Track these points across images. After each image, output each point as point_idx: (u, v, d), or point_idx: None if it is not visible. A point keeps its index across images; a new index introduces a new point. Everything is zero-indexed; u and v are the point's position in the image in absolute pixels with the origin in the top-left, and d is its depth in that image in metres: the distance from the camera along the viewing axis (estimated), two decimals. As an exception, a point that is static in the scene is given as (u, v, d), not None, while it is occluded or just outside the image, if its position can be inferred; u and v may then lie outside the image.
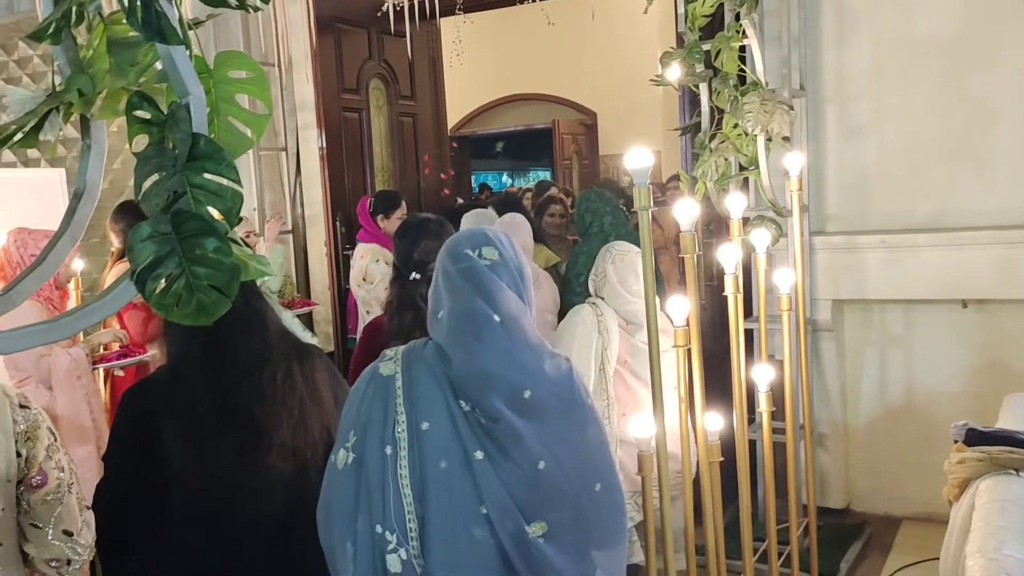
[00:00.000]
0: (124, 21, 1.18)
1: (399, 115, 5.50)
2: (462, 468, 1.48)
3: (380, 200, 4.54)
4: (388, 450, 1.50)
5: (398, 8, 4.33)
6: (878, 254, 3.60)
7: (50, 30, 1.19)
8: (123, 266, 3.66)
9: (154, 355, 3.38)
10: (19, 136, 1.21)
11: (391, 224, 4.25)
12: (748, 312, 3.48)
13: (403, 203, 4.53)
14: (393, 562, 1.48)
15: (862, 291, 3.67)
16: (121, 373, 3.62)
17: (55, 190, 3.96)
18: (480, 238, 1.59)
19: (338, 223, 4.94)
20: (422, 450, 1.49)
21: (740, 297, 2.41)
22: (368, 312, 4.13)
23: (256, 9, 1.17)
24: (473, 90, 11.13)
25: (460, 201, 6.76)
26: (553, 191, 5.58)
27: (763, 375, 2.50)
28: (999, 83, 3.47)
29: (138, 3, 1.11)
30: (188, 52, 1.18)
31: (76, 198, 1.26)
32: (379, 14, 4.55)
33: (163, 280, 1.13)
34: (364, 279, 4.21)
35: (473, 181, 13.64)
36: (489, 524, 1.47)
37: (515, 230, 3.37)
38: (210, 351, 1.83)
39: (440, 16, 5.09)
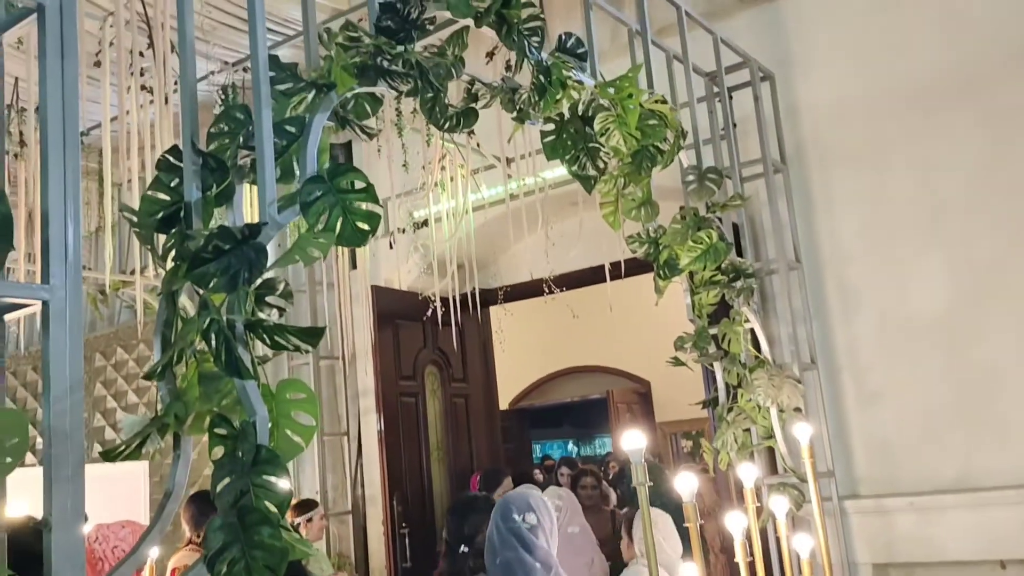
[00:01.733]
0: (210, 360, 1.58)
1: (452, 396, 5.94)
2: None
3: (487, 477, 4.94)
4: None
5: (442, 305, 4.88)
6: (908, 516, 3.70)
7: (159, 369, 1.59)
8: (184, 553, 3.94)
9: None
10: (127, 451, 1.57)
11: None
12: (784, 579, 3.55)
13: (506, 479, 4.90)
14: None
15: (898, 554, 3.72)
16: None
17: (138, 481, 4.38)
18: (524, 505, 2.24)
19: (395, 502, 5.20)
20: None
21: (756, 562, 2.56)
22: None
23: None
24: (532, 365, 11.67)
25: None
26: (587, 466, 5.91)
27: (788, 642, 2.58)
28: (997, 352, 3.73)
29: (223, 349, 1.50)
30: (257, 383, 1.56)
31: (166, 497, 1.60)
32: (424, 318, 5.10)
33: (227, 563, 1.43)
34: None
35: (537, 450, 13.86)
36: None
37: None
38: None
39: (483, 307, 5.66)
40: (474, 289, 4.83)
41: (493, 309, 6.40)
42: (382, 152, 4.41)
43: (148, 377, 1.57)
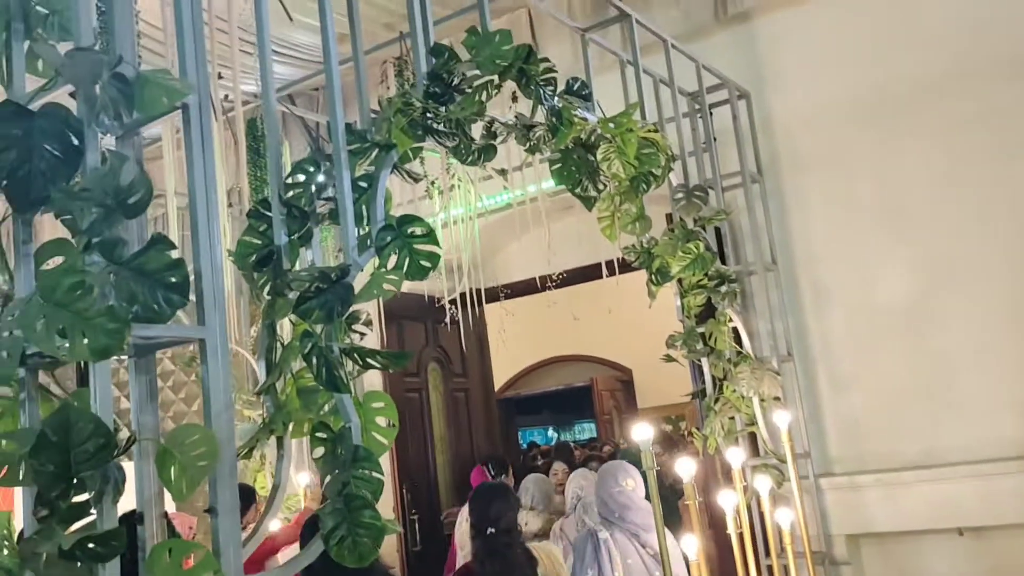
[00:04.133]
0: (307, 375, 1.95)
1: (452, 391, 6.31)
2: None
3: (497, 464, 5.35)
4: None
5: (450, 304, 5.23)
6: (877, 491, 4.13)
7: (267, 387, 1.95)
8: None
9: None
10: (242, 453, 1.93)
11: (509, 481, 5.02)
12: (767, 551, 3.97)
13: (509, 467, 5.35)
14: None
15: (869, 525, 4.15)
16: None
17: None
18: (623, 473, 3.13)
19: (405, 490, 5.58)
20: None
21: (744, 534, 2.97)
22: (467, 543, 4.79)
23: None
24: (517, 355, 12.03)
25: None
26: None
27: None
28: (954, 340, 4.16)
29: (323, 369, 1.87)
30: (351, 396, 1.93)
31: (274, 489, 1.97)
32: (437, 305, 5.46)
33: (337, 540, 1.80)
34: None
35: (521, 438, 14.30)
36: None
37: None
38: None
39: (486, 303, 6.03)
40: (476, 288, 5.20)
41: (490, 307, 6.77)
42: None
43: (259, 393, 1.93)
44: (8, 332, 1.44)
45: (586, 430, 14.89)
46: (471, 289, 5.20)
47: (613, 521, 3.22)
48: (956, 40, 4.26)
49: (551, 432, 16.15)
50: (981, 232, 4.14)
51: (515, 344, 11.13)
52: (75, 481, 1.37)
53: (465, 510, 5.18)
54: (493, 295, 6.40)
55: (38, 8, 1.63)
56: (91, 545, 1.32)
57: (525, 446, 13.57)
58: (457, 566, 4.86)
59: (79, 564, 1.37)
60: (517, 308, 6.73)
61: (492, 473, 5.27)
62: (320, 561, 1.75)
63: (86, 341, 1.39)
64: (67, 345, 1.39)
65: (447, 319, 5.00)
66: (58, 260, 1.51)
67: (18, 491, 1.59)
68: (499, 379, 12.35)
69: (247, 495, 4.97)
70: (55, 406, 1.56)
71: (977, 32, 4.21)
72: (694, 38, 4.74)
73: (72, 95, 1.57)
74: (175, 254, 1.50)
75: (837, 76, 4.54)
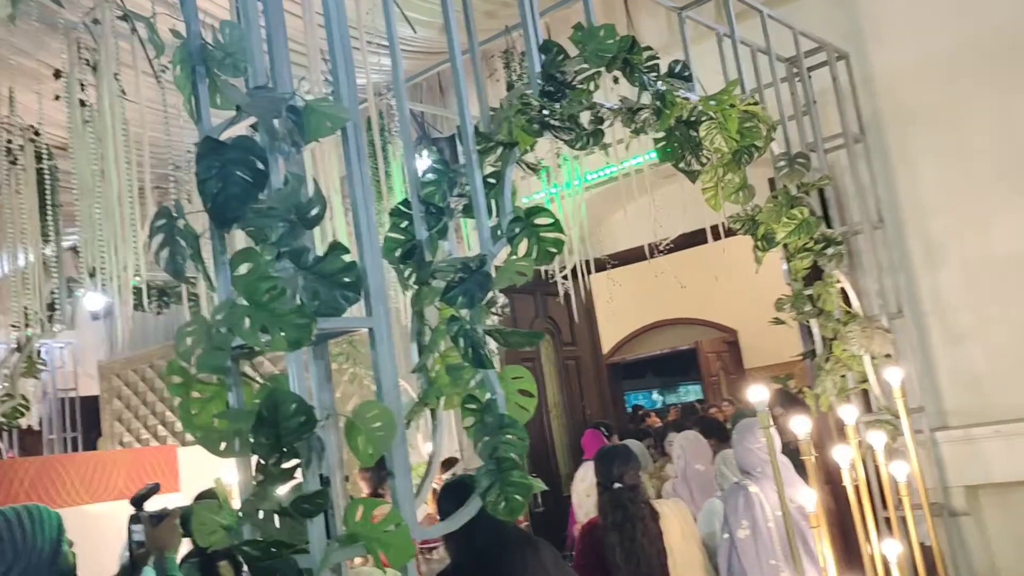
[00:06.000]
0: (453, 354, 2.20)
1: (564, 359, 6.55)
2: None
3: (607, 427, 5.61)
4: None
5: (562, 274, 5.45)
6: (995, 442, 4.15)
7: (420, 367, 2.20)
8: None
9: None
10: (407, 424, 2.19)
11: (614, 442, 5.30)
12: (884, 504, 4.06)
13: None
14: None
15: (988, 476, 4.18)
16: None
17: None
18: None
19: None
20: None
21: (860, 487, 3.10)
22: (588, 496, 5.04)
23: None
24: (623, 321, 12.18)
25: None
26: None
27: (891, 548, 3.12)
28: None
29: (469, 348, 2.11)
30: (494, 371, 2.17)
31: (433, 455, 2.23)
32: (545, 279, 5.69)
33: (493, 496, 2.05)
34: (582, 480, 5.24)
35: (627, 402, 14.51)
36: None
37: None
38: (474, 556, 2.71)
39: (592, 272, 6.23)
40: (584, 260, 5.40)
41: (595, 276, 6.96)
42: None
43: (414, 371, 2.20)
44: (219, 329, 1.74)
45: (691, 392, 14.98)
46: (580, 261, 5.41)
47: (756, 476, 3.36)
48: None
49: (655, 395, 16.29)
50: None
51: (621, 310, 11.31)
52: (284, 450, 1.65)
53: (580, 472, 5.45)
54: (600, 265, 6.58)
55: (215, 52, 1.91)
56: (305, 504, 1.60)
57: (630, 409, 13.77)
58: (578, 522, 5.15)
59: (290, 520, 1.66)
60: (622, 275, 6.90)
61: (606, 435, 5.50)
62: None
63: (282, 334, 1.67)
64: (268, 339, 1.67)
65: (559, 292, 5.20)
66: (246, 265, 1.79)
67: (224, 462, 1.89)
68: (605, 345, 12.55)
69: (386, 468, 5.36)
70: (254, 390, 1.86)
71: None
72: (789, 0, 4.76)
73: (252, 126, 1.85)
74: (348, 258, 1.76)
75: (940, 27, 4.49)
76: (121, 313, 4.16)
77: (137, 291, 3.58)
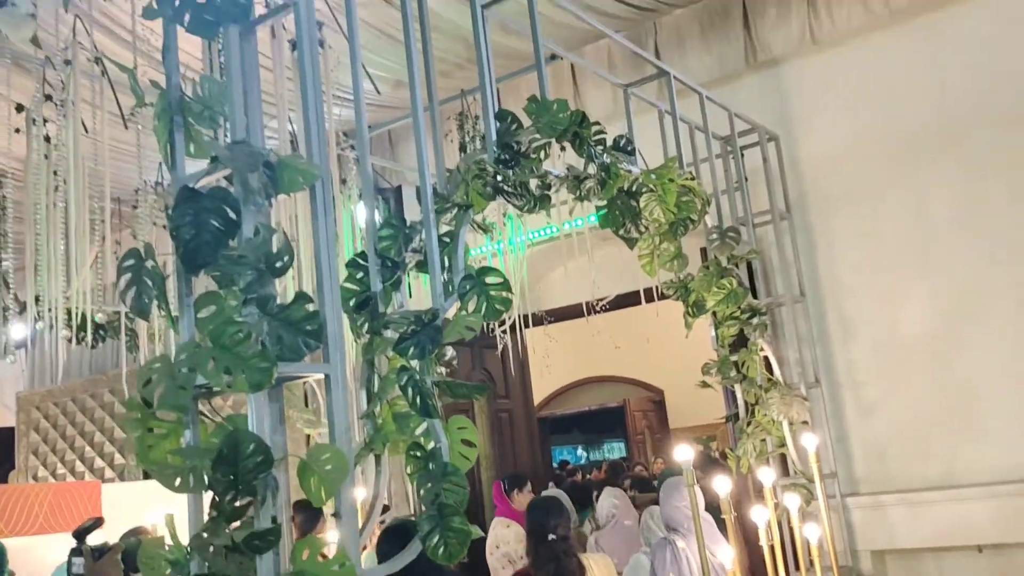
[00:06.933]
0: (400, 402, 2.30)
1: (497, 411, 6.66)
2: None
3: (513, 480, 5.59)
4: None
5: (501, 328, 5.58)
6: (900, 510, 4.40)
7: (367, 413, 2.30)
8: None
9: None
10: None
11: (524, 497, 5.21)
12: (797, 565, 4.25)
13: (527, 482, 5.58)
14: None
15: (893, 542, 4.42)
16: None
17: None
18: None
19: (452, 505, 5.91)
20: None
21: (775, 547, 3.27)
22: (503, 568, 4.99)
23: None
24: (553, 376, 12.34)
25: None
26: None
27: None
28: (976, 366, 4.43)
29: (417, 398, 2.21)
30: (441, 423, 2.28)
31: (374, 499, 2.31)
32: (489, 334, 5.80)
33: (433, 542, 2.14)
34: (497, 547, 5.13)
35: (553, 456, 14.61)
36: None
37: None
38: None
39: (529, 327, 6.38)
40: (523, 315, 5.55)
41: (531, 331, 7.11)
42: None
43: (362, 417, 2.29)
44: (182, 369, 1.81)
45: (615, 449, 15.17)
46: (519, 316, 5.56)
47: (683, 532, 3.50)
48: (975, 88, 4.56)
49: (580, 451, 16.43)
50: (1003, 263, 4.41)
51: (553, 365, 11.45)
52: (240, 488, 1.73)
53: (492, 536, 5.37)
54: (537, 320, 6.75)
55: (193, 104, 2.01)
56: (256, 541, 1.68)
57: (556, 464, 13.87)
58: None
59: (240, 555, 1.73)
60: (557, 331, 7.07)
61: (506, 488, 5.51)
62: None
63: (244, 377, 1.76)
64: (231, 380, 1.76)
65: (496, 344, 5.32)
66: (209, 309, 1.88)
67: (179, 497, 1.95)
68: (535, 399, 12.67)
69: (317, 511, 5.26)
70: (208, 429, 1.93)
71: (995, 81, 4.51)
72: (726, 83, 5.09)
73: (227, 178, 1.95)
74: (311, 307, 1.87)
75: (861, 119, 4.85)
76: (55, 345, 4.12)
77: (82, 323, 3.58)
